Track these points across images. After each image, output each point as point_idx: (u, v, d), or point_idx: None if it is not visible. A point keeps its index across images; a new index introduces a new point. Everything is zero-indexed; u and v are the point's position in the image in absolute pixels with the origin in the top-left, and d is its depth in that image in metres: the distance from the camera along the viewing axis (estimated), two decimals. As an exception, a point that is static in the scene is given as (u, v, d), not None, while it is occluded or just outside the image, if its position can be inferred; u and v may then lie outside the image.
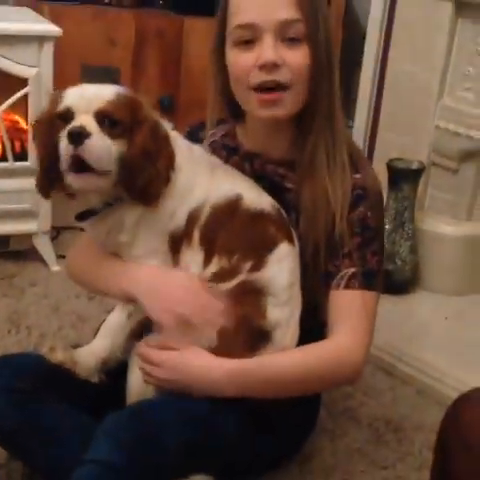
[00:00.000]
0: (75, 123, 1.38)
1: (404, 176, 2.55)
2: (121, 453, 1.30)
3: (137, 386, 1.49)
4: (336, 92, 1.53)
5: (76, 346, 1.54)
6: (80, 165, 1.38)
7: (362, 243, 1.54)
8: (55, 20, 2.64)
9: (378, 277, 1.55)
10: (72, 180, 1.40)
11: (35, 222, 2.61)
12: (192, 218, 1.48)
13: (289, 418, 1.60)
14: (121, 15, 3.11)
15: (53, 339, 2.17)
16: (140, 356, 1.48)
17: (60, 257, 2.68)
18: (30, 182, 2.50)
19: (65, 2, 3.07)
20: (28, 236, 2.64)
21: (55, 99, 1.44)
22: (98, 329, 1.59)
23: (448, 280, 2.63)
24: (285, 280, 1.49)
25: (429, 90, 2.62)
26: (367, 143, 2.91)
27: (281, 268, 1.49)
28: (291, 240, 1.52)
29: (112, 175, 1.41)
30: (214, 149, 1.65)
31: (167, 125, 1.51)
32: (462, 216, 2.67)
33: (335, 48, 1.57)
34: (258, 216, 1.49)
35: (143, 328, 1.52)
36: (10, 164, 2.52)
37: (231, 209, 1.49)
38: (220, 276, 1.47)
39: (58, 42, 2.47)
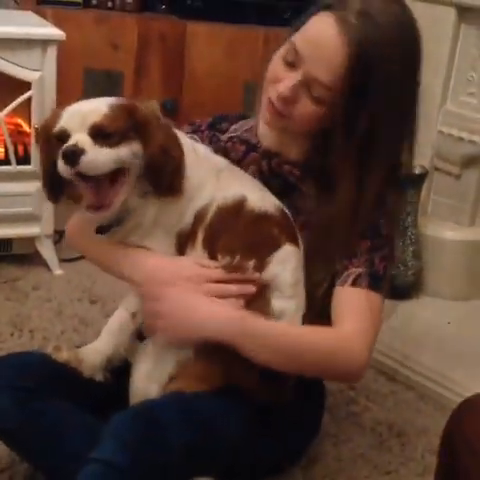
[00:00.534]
0: (69, 142, 1.39)
1: (407, 181, 2.55)
2: (125, 453, 1.30)
3: (141, 386, 1.49)
4: (368, 181, 1.50)
5: (79, 347, 1.55)
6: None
7: (371, 247, 1.54)
8: (58, 24, 2.64)
9: (384, 282, 1.55)
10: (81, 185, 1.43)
11: (38, 226, 2.62)
12: (198, 218, 1.49)
13: (293, 422, 1.60)
14: (124, 19, 3.12)
15: (56, 342, 2.17)
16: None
17: (63, 261, 2.68)
18: (33, 185, 2.54)
19: (68, 6, 3.07)
20: (31, 240, 2.65)
21: (54, 118, 1.45)
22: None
23: (451, 285, 2.63)
24: (289, 278, 1.49)
25: (432, 95, 2.62)
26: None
27: (284, 268, 1.49)
28: (295, 241, 1.53)
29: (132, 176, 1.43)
30: (233, 143, 1.66)
31: (170, 124, 1.51)
32: (465, 221, 2.67)
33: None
34: (261, 217, 1.50)
35: None
36: (13, 167, 2.52)
37: (235, 210, 1.50)
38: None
39: (61, 46, 2.48)
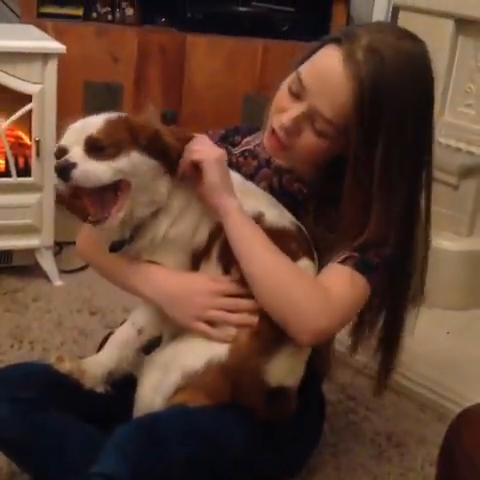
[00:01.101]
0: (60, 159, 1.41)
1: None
2: (126, 465, 1.31)
3: (146, 398, 1.49)
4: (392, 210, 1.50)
5: (81, 358, 1.55)
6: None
7: (368, 242, 1.51)
8: (59, 37, 2.66)
9: (372, 273, 1.50)
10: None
11: (38, 237, 2.62)
12: (213, 234, 1.49)
13: (293, 435, 1.60)
14: (124, 32, 3.13)
15: (57, 353, 2.18)
16: None
17: (63, 272, 2.69)
18: (33, 197, 2.56)
19: (69, 20, 3.09)
20: (31, 251, 2.65)
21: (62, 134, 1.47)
22: (101, 343, 1.60)
23: (449, 295, 2.63)
24: None
25: (430, 106, 2.63)
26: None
27: None
28: (312, 256, 1.53)
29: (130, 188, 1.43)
30: (245, 158, 1.67)
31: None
32: (463, 232, 2.67)
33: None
34: (279, 232, 1.50)
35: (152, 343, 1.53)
36: (14, 179, 2.54)
37: None
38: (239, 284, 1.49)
39: (62, 59, 2.49)
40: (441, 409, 2.12)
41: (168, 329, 1.56)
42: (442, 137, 2.61)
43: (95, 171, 1.39)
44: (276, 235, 1.49)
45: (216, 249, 1.50)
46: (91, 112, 1.49)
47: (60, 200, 1.54)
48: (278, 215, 1.53)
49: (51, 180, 2.53)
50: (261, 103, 1.67)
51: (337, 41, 1.44)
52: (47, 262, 2.66)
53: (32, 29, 2.78)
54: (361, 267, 1.49)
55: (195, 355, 1.47)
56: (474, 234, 2.68)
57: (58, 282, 2.65)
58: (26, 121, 2.53)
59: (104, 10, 3.19)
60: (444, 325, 2.52)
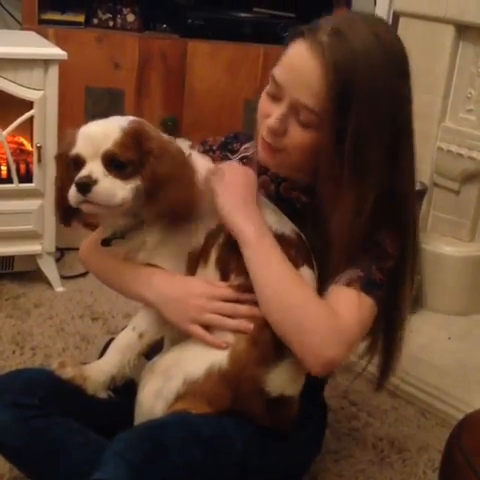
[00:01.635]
0: (83, 172, 1.41)
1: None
2: (127, 472, 1.30)
3: (147, 404, 1.49)
4: (366, 195, 1.45)
5: (83, 364, 1.55)
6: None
7: (371, 256, 1.51)
8: (60, 44, 2.67)
9: (378, 290, 1.50)
10: (85, 208, 1.44)
11: (40, 243, 2.63)
12: (210, 238, 1.49)
13: (295, 440, 1.60)
14: (125, 38, 3.14)
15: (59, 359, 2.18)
16: None
17: (64, 278, 2.69)
18: (35, 203, 2.56)
19: (70, 26, 3.10)
20: (33, 257, 2.65)
21: (70, 140, 1.46)
22: (103, 349, 1.60)
23: (451, 300, 2.64)
24: None
25: (431, 112, 2.64)
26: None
27: None
28: (311, 264, 1.53)
29: (125, 206, 1.43)
30: (244, 164, 1.66)
31: (184, 144, 1.52)
32: (464, 237, 2.68)
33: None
34: (279, 239, 1.49)
35: (154, 348, 1.53)
36: (15, 186, 2.54)
37: None
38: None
39: (63, 65, 2.50)
40: (443, 415, 2.12)
41: (169, 335, 1.56)
42: (443, 143, 2.62)
43: (114, 191, 1.41)
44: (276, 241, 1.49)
45: (214, 253, 1.50)
46: (92, 118, 1.49)
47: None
48: (278, 221, 1.53)
49: (53, 186, 2.53)
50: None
51: (301, 35, 1.45)
52: (49, 268, 2.66)
53: (33, 35, 2.79)
54: (367, 287, 1.49)
55: (196, 362, 1.46)
56: (476, 239, 2.68)
57: (60, 288, 2.66)
58: (27, 127, 2.54)
59: (105, 16, 3.20)
60: (446, 330, 2.52)
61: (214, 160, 1.64)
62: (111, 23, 3.20)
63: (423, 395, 2.20)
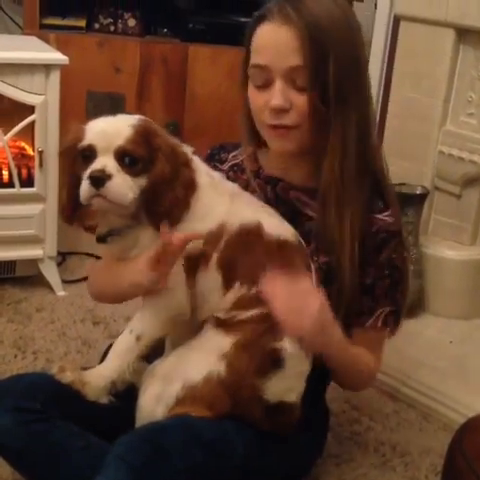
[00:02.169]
0: (96, 166, 1.41)
1: (408, 201, 2.56)
2: (128, 475, 1.31)
3: (148, 408, 1.49)
4: (349, 130, 1.55)
5: (84, 370, 1.55)
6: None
7: (392, 284, 1.63)
8: (61, 48, 2.67)
9: (403, 313, 1.70)
10: (96, 202, 1.43)
11: (41, 248, 2.63)
12: (210, 240, 1.48)
13: (296, 443, 1.60)
14: (126, 43, 3.15)
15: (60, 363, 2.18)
16: None
17: (66, 282, 2.69)
18: (36, 208, 2.56)
19: (71, 31, 3.11)
20: (34, 262, 2.65)
21: (78, 133, 1.46)
22: (104, 353, 1.60)
23: (452, 304, 2.63)
24: None
25: (432, 116, 2.64)
26: (371, 168, 2.93)
27: None
28: (310, 268, 1.54)
29: (132, 205, 1.44)
30: (234, 172, 1.68)
31: (187, 149, 1.53)
32: (466, 241, 2.68)
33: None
34: (279, 243, 1.50)
35: (153, 350, 1.53)
36: (17, 190, 2.54)
37: (251, 236, 1.49)
38: (240, 304, 1.48)
39: (64, 70, 2.50)
40: (445, 419, 2.12)
41: (169, 337, 1.56)
42: (444, 146, 2.62)
43: (127, 188, 1.41)
44: (276, 246, 1.50)
45: (215, 256, 1.49)
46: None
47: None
48: (277, 225, 1.54)
49: (54, 190, 2.54)
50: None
51: (261, 18, 1.56)
52: (50, 272, 2.67)
53: (35, 40, 2.80)
54: (398, 320, 1.70)
55: (195, 367, 1.47)
56: (477, 243, 2.68)
57: (61, 292, 2.66)
58: (29, 132, 2.54)
59: (106, 21, 3.20)
60: (447, 334, 2.52)
61: None
62: (112, 28, 3.21)
63: (425, 399, 2.19)
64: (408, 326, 2.54)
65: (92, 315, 2.53)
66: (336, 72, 1.50)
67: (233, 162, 1.72)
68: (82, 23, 3.16)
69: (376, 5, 3.02)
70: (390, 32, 2.88)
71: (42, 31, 3.01)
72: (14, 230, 2.56)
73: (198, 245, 1.48)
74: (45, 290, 2.66)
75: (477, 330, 2.57)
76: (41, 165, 2.52)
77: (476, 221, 2.66)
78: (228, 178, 1.66)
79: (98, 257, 1.62)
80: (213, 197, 1.51)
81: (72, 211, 1.51)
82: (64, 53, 2.54)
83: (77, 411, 1.51)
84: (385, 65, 2.89)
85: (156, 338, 1.52)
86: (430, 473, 1.90)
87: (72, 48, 2.87)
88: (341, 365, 1.61)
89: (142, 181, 1.43)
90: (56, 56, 2.53)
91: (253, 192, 1.62)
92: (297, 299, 1.42)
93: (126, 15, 3.21)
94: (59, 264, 2.75)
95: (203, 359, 1.47)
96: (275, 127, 1.55)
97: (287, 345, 1.46)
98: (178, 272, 1.49)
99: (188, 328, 1.54)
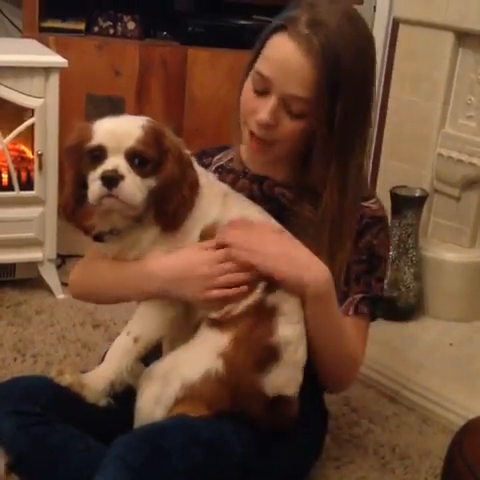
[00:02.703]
0: (107, 166, 1.41)
1: (407, 203, 2.56)
2: (127, 476, 1.31)
3: (147, 409, 1.49)
4: (351, 165, 1.55)
5: (83, 372, 1.55)
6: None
7: (368, 270, 1.61)
8: (61, 51, 2.68)
9: (379, 302, 1.64)
10: (107, 202, 1.43)
11: (41, 250, 2.63)
12: (204, 236, 1.51)
13: (294, 443, 1.60)
14: (126, 46, 3.15)
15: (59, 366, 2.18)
16: None
17: (66, 285, 2.69)
18: (36, 211, 2.57)
19: (70, 34, 3.10)
20: (34, 264, 2.66)
21: (85, 132, 1.46)
22: (103, 357, 1.60)
23: (452, 307, 2.64)
24: (297, 302, 1.51)
25: (431, 119, 2.64)
26: (370, 171, 2.93)
27: None
28: None
29: (141, 206, 1.45)
30: (220, 174, 1.69)
31: (187, 151, 1.54)
32: (465, 243, 2.68)
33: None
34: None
35: (150, 352, 1.53)
36: (16, 193, 2.55)
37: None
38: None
39: (64, 73, 2.51)
40: (444, 421, 2.12)
41: (166, 338, 1.56)
42: (444, 149, 2.63)
43: (138, 189, 1.42)
44: None
45: None
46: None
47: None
48: (265, 222, 1.56)
49: (54, 193, 2.55)
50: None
51: (282, 28, 1.51)
52: (50, 275, 2.67)
53: (34, 43, 2.80)
54: (372, 308, 1.63)
55: (193, 366, 1.47)
56: (476, 245, 2.69)
57: (61, 295, 2.66)
58: (28, 135, 2.55)
59: (106, 24, 3.20)
60: (447, 336, 2.52)
61: None
62: (111, 31, 3.21)
63: (424, 401, 2.19)
64: (408, 329, 2.56)
65: (92, 318, 2.53)
66: (343, 111, 1.49)
67: (218, 164, 1.74)
68: (81, 26, 3.16)
69: (375, 8, 3.02)
70: (389, 35, 2.88)
71: (41, 34, 3.01)
72: (14, 233, 2.56)
73: (194, 242, 1.51)
74: (45, 293, 2.66)
75: (477, 332, 2.57)
76: (41, 168, 2.52)
77: (475, 223, 2.66)
78: None
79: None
80: (210, 197, 1.53)
81: (74, 209, 1.51)
82: (63, 56, 2.54)
83: (76, 414, 1.51)
84: (384, 68, 2.90)
85: (154, 340, 1.53)
86: (429, 476, 1.90)
87: (71, 51, 2.87)
88: (328, 337, 1.55)
89: (151, 182, 1.44)
90: (55, 59, 2.53)
91: (239, 192, 1.63)
92: (254, 234, 1.49)
93: (125, 18, 3.20)
94: (59, 267, 2.76)
95: (200, 358, 1.47)
96: (255, 137, 1.56)
97: (282, 334, 1.48)
98: None
99: (185, 329, 1.54)
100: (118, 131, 1.44)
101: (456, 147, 2.60)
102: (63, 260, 2.83)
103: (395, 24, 2.81)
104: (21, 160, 2.64)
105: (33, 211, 2.57)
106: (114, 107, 3.06)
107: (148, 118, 1.50)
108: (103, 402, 1.51)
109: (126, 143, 1.42)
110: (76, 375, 1.52)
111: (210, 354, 1.47)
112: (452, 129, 2.64)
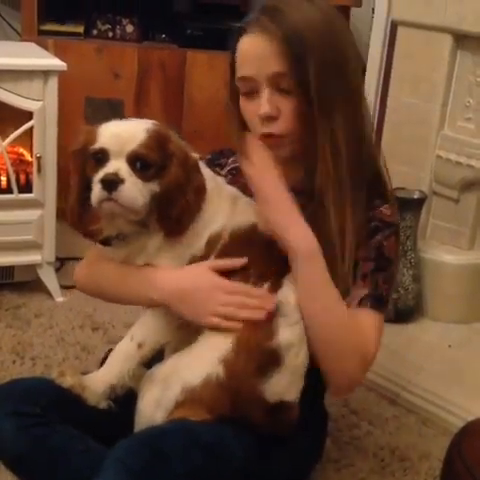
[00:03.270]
0: (108, 169, 1.41)
1: (406, 205, 2.56)
2: (127, 479, 1.30)
3: (147, 413, 1.49)
4: (338, 132, 1.55)
5: (83, 374, 1.55)
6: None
7: (375, 269, 1.59)
8: (60, 54, 2.68)
9: (386, 304, 1.61)
10: (107, 206, 1.43)
11: (39, 253, 2.63)
12: (211, 242, 1.50)
13: (296, 445, 1.60)
14: (124, 49, 3.15)
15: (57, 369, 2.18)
16: None
17: (64, 288, 2.69)
18: (35, 214, 2.57)
19: (69, 37, 3.11)
20: (33, 267, 2.66)
21: (90, 135, 1.46)
22: (103, 359, 1.60)
23: (451, 308, 2.64)
24: (296, 299, 1.51)
25: (430, 121, 2.65)
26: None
27: (293, 289, 1.51)
28: None
29: (142, 211, 1.44)
30: (233, 176, 1.70)
31: (194, 155, 1.54)
32: (464, 245, 2.68)
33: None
34: (274, 242, 1.51)
35: (154, 356, 1.53)
36: (15, 196, 2.55)
37: (248, 237, 1.52)
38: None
39: (63, 76, 2.51)
40: (444, 423, 2.12)
41: (170, 343, 1.56)
42: (442, 151, 2.63)
43: (138, 193, 1.41)
44: (271, 244, 1.51)
45: (213, 258, 1.51)
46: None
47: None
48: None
49: (53, 196, 2.55)
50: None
51: (243, 31, 1.58)
52: (49, 278, 2.67)
53: (33, 47, 2.80)
54: (377, 305, 1.58)
55: (194, 370, 1.47)
56: (475, 247, 2.68)
57: (60, 298, 2.66)
58: (27, 138, 2.55)
59: (105, 27, 3.21)
60: (446, 338, 2.52)
61: None
62: (110, 34, 3.22)
63: (424, 403, 2.19)
64: (407, 331, 2.56)
65: (91, 321, 2.53)
66: (316, 75, 1.51)
67: (232, 166, 1.73)
68: (80, 29, 3.16)
69: (373, 10, 3.02)
70: (387, 37, 2.88)
71: (40, 37, 3.02)
72: (12, 236, 2.56)
73: (201, 248, 1.50)
74: (43, 296, 2.66)
75: (476, 334, 2.57)
76: (39, 171, 2.52)
77: (474, 225, 2.66)
78: (226, 181, 1.67)
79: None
80: (218, 202, 1.52)
81: (80, 215, 1.51)
82: (62, 59, 2.54)
83: (76, 416, 1.51)
84: (383, 70, 2.89)
85: (157, 346, 1.52)
86: (429, 477, 1.91)
87: (70, 54, 2.88)
88: (324, 314, 1.51)
89: (153, 186, 1.43)
90: (54, 62, 2.53)
91: (251, 194, 1.63)
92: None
93: (124, 21, 3.21)
94: (57, 269, 2.75)
95: (201, 362, 1.47)
96: (267, 136, 1.56)
97: (282, 338, 1.47)
98: None
99: (188, 333, 1.54)
100: (121, 134, 1.43)
101: (455, 149, 2.60)
102: (62, 263, 2.83)
103: (393, 26, 2.81)
104: (20, 163, 2.64)
105: (32, 214, 2.57)
106: (113, 110, 3.06)
107: (154, 122, 1.49)
108: (103, 404, 1.51)
109: (128, 146, 1.41)
110: (77, 377, 1.52)
111: (211, 358, 1.46)
112: (451, 131, 2.64)
